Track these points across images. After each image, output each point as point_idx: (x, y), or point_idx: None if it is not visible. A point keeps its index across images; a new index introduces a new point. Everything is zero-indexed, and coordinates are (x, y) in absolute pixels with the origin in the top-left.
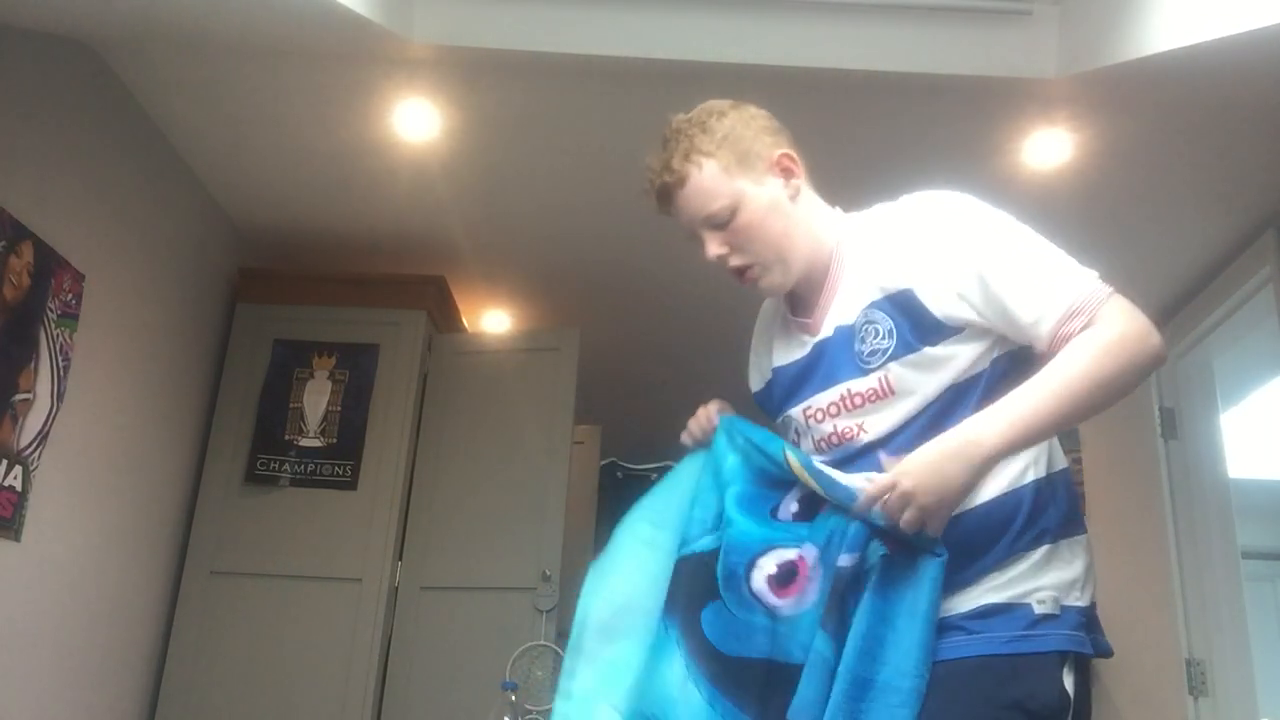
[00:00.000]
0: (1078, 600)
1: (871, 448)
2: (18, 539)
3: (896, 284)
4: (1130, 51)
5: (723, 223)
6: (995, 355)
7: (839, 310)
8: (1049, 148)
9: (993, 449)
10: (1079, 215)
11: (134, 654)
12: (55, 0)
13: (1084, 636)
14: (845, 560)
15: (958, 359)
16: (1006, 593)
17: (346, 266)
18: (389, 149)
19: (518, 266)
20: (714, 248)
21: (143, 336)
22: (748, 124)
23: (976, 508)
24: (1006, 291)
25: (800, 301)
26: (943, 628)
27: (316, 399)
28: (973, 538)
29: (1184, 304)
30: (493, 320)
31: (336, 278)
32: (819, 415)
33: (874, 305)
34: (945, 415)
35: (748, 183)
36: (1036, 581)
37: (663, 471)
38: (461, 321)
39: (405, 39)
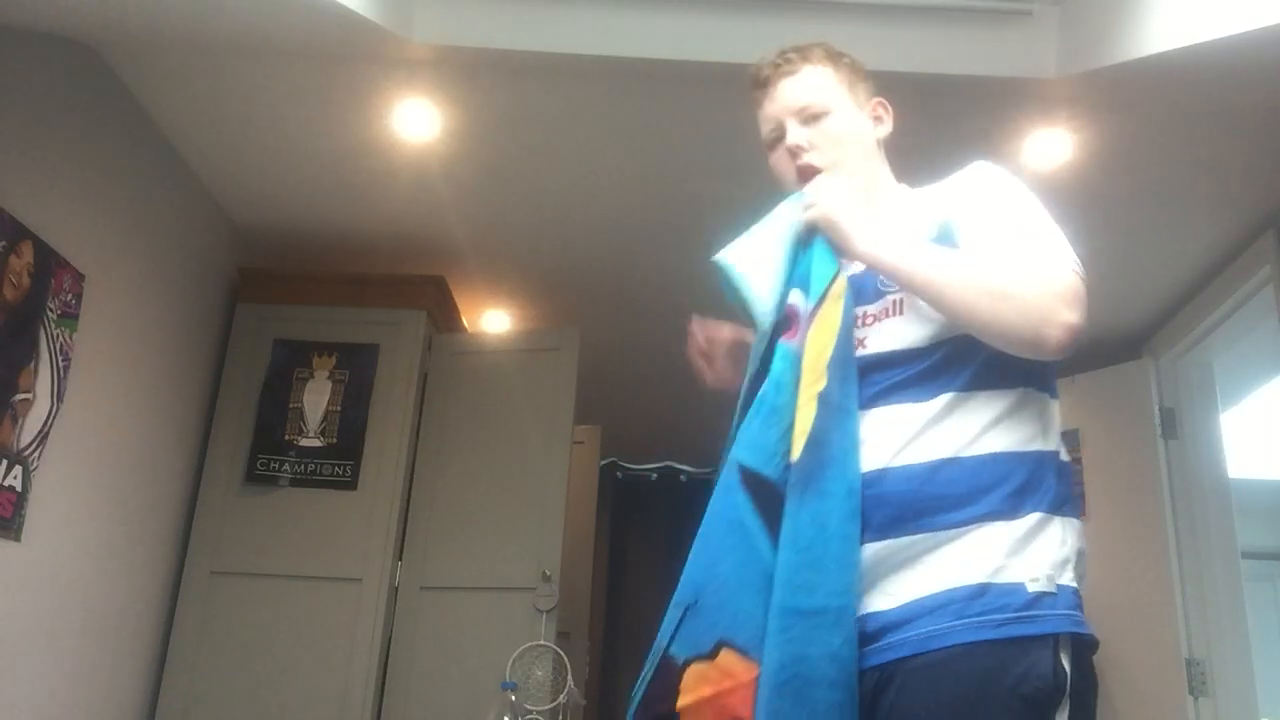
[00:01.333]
0: (1070, 580)
1: (870, 367)
2: (18, 539)
3: (933, 228)
4: (1130, 51)
5: (815, 116)
6: None
7: None
8: (1049, 148)
9: (866, 242)
10: (1079, 215)
11: (134, 654)
12: (55, 0)
13: (1081, 617)
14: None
15: None
16: (993, 564)
17: (346, 266)
18: (389, 149)
19: (518, 266)
20: (796, 135)
21: (143, 336)
22: (861, 67)
23: (981, 455)
24: (1008, 228)
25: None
26: (931, 606)
27: (316, 399)
28: (970, 479)
29: (1184, 304)
30: (493, 320)
31: (336, 278)
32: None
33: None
34: (940, 370)
35: (849, 101)
36: (1025, 553)
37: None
38: (461, 321)
39: (405, 39)
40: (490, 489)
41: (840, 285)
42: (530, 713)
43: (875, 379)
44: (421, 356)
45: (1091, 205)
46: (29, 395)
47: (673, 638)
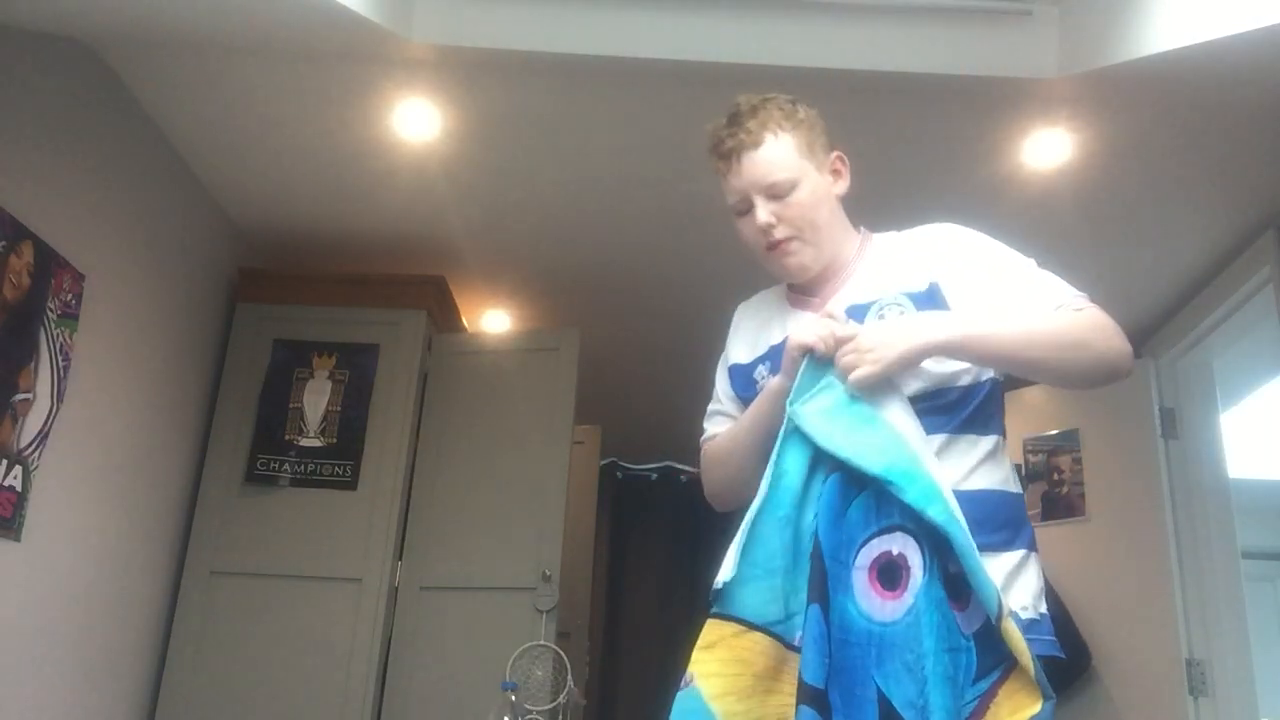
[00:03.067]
0: (1044, 609)
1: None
2: (18, 539)
3: (921, 282)
4: (1130, 51)
5: (781, 194)
6: (992, 375)
7: (852, 294)
8: (1049, 148)
9: (938, 335)
10: (1079, 215)
11: (134, 654)
12: (55, 0)
13: (1055, 641)
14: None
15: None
16: None
17: (346, 266)
18: (389, 149)
19: (518, 266)
20: (765, 215)
21: (143, 336)
22: (817, 120)
23: (979, 490)
24: (1017, 283)
25: (806, 292)
26: None
27: (316, 399)
28: (970, 511)
29: (1184, 304)
30: (493, 320)
31: (336, 278)
32: None
33: (894, 299)
34: (932, 414)
35: (811, 167)
36: (1016, 586)
37: (663, 472)
38: (461, 321)
39: (405, 39)
40: (490, 489)
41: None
42: (530, 713)
43: None
44: (421, 356)
45: (1091, 205)
46: (29, 395)
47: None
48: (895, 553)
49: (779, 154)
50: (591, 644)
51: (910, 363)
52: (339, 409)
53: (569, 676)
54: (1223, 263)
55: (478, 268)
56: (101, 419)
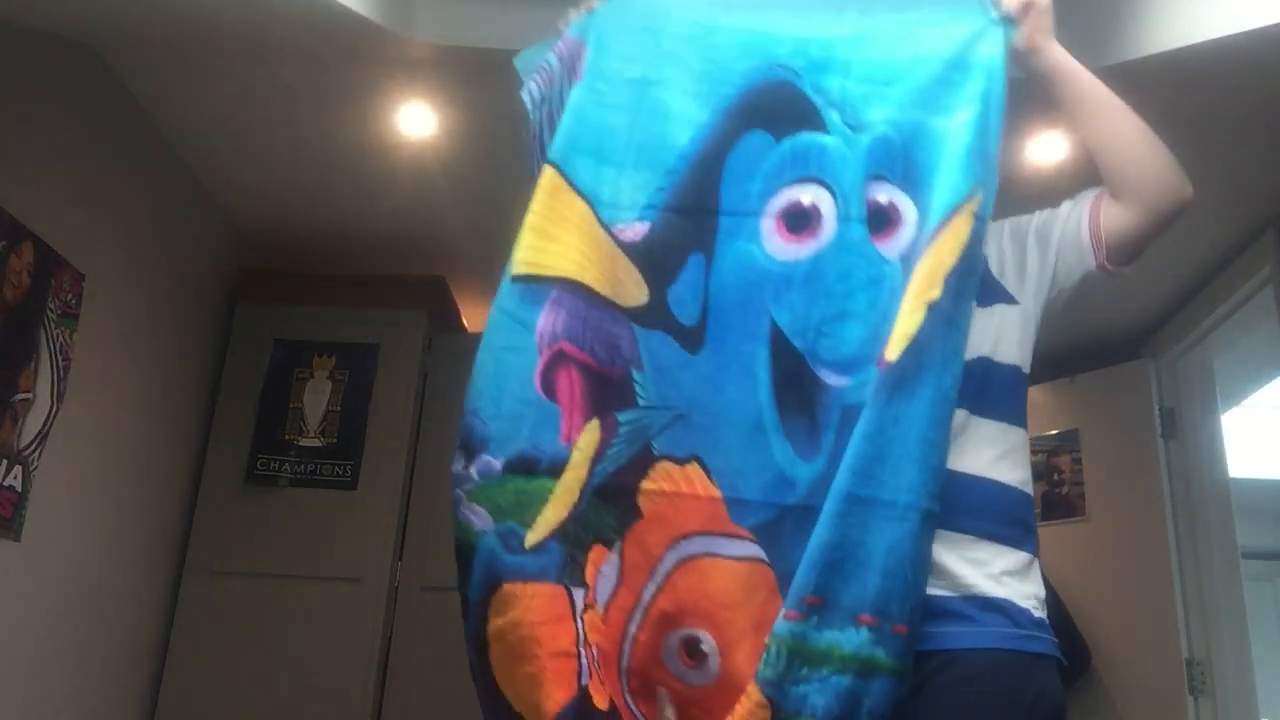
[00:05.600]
0: (1044, 615)
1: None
2: (18, 539)
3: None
4: (1129, 51)
5: None
6: (1005, 361)
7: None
8: (1049, 147)
9: (1060, 57)
10: None
11: (134, 654)
12: (55, 0)
13: (1057, 644)
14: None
15: (989, 329)
16: (1001, 590)
17: (346, 266)
18: (389, 149)
19: None
20: None
21: (143, 336)
22: None
23: (999, 482)
24: (1046, 219)
25: None
26: (943, 613)
27: (316, 399)
28: (986, 500)
29: (1184, 304)
30: None
31: (336, 278)
32: None
33: None
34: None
35: None
36: (1023, 587)
37: None
38: (462, 321)
39: (405, 39)
40: None
41: (976, 201)
42: None
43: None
44: (421, 356)
45: None
46: (29, 395)
47: (660, 433)
48: (807, 203)
49: None
50: None
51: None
52: (339, 409)
53: None
54: (1223, 263)
55: (478, 268)
56: (101, 419)
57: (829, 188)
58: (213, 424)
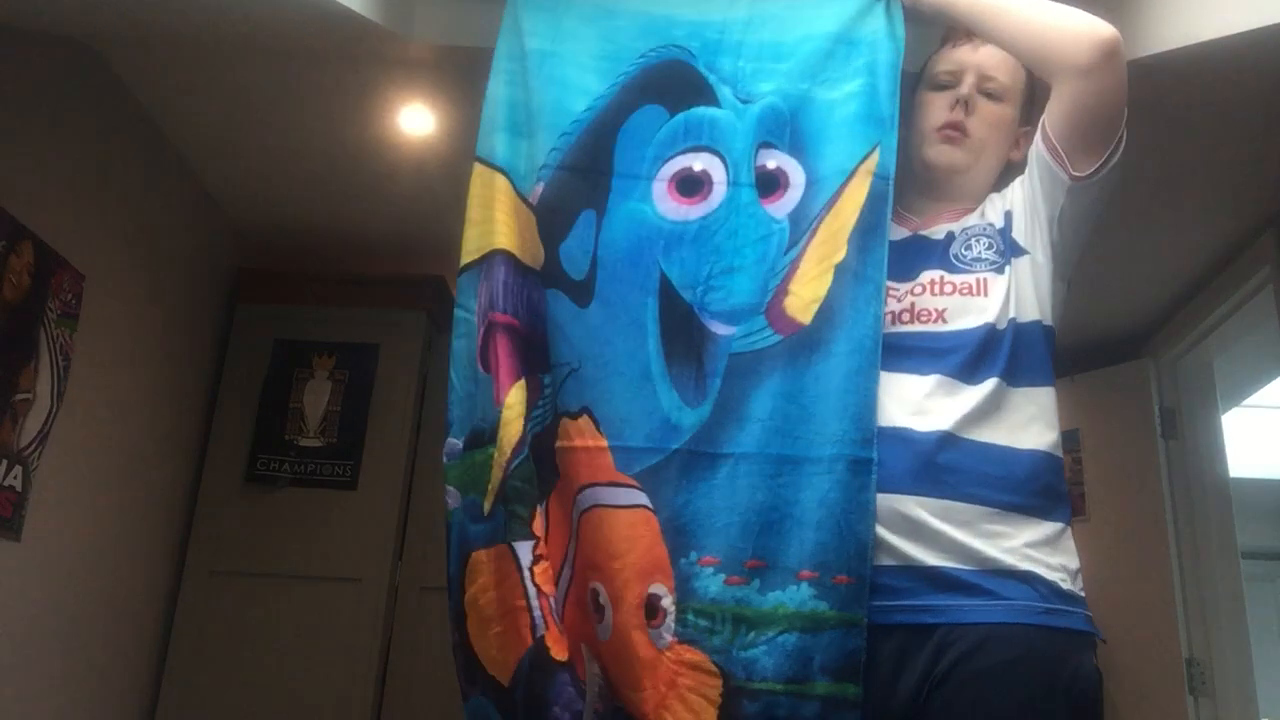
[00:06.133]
0: (1082, 590)
1: (936, 348)
2: (18, 539)
3: (1000, 215)
4: (1130, 51)
5: (988, 93)
6: (1027, 319)
7: (951, 221)
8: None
9: None
10: None
11: (134, 654)
12: (55, 0)
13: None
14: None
15: (1010, 288)
16: (1026, 563)
17: (346, 266)
18: (389, 149)
19: None
20: (966, 90)
21: (143, 336)
22: (1036, 92)
23: (1028, 450)
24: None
25: (917, 199)
26: (959, 584)
27: (316, 399)
28: (1010, 470)
29: (1184, 304)
30: None
31: (336, 278)
32: (898, 292)
33: (982, 229)
34: (979, 361)
35: (1018, 110)
36: (1052, 558)
37: None
38: None
39: (405, 39)
40: None
41: (873, 160)
42: None
43: (944, 349)
44: (421, 356)
45: None
46: (29, 395)
47: (559, 389)
48: (698, 169)
49: (1013, 69)
50: None
51: None
52: (339, 409)
53: None
54: (1223, 263)
55: None
56: (101, 419)
57: (720, 155)
58: (213, 424)
